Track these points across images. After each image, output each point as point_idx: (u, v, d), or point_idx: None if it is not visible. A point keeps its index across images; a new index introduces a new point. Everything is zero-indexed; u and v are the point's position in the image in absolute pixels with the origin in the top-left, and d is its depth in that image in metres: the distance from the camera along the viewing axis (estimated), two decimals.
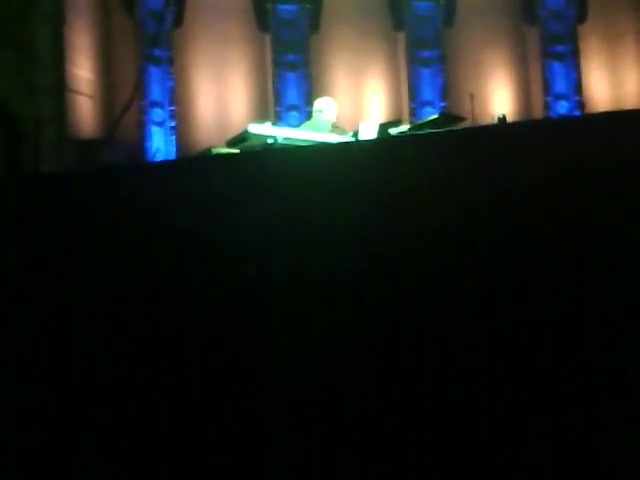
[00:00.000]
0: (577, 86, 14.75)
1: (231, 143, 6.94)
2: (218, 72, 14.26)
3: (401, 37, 14.86)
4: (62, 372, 3.59)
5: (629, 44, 14.77)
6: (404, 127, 7.16)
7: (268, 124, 7.18)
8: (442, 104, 14.44)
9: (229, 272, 3.55)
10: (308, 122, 7.96)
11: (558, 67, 14.82)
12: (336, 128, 7.43)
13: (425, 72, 14.74)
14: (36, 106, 11.03)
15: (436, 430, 3.35)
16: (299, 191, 3.53)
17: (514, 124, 7.13)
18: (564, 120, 7.90)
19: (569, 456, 3.28)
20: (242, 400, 3.47)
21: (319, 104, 7.72)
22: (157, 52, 13.84)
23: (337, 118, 7.61)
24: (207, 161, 4.82)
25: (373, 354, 3.41)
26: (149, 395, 3.54)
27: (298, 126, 8.91)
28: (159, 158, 13.27)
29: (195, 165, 4.12)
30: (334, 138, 6.88)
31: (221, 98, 14.25)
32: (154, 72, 13.90)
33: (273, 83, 14.55)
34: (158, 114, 13.90)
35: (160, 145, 13.74)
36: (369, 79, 14.65)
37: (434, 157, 3.56)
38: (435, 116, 7.47)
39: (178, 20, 14.13)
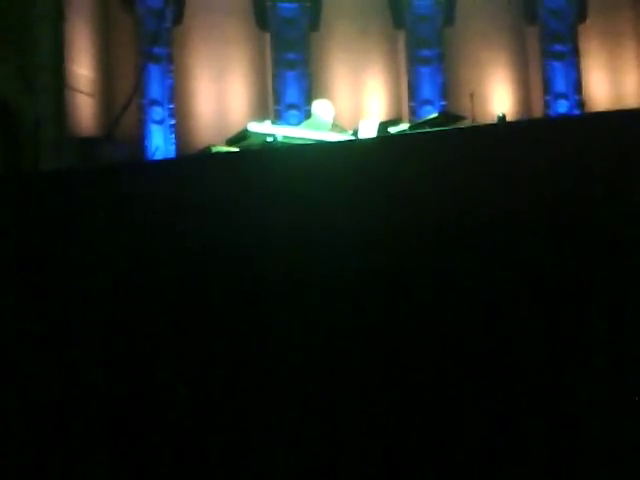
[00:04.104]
0: (577, 85, 14.74)
1: (231, 141, 6.94)
2: (218, 70, 14.25)
3: (401, 36, 14.85)
4: (62, 371, 3.58)
5: (629, 43, 14.76)
6: (404, 126, 7.15)
7: (268, 122, 7.18)
8: (442, 103, 14.43)
9: (228, 271, 3.55)
10: (308, 121, 7.95)
11: (558, 66, 14.81)
12: (335, 127, 7.43)
13: (425, 71, 14.73)
14: (36, 104, 11.03)
15: (436, 432, 3.35)
16: (298, 189, 3.53)
17: (514, 123, 7.13)
18: (564, 119, 7.90)
19: (568, 455, 3.28)
20: (242, 401, 3.47)
21: (315, 107, 7.73)
22: (157, 50, 13.82)
23: (336, 117, 7.61)
24: (206, 159, 4.82)
25: (374, 354, 3.41)
26: (149, 395, 3.54)
27: (298, 125, 8.90)
28: (159, 156, 13.26)
29: (195, 163, 4.12)
30: (334, 137, 6.87)
31: (221, 96, 14.24)
32: (154, 70, 13.89)
33: (273, 81, 14.53)
34: (158, 112, 13.89)
35: (160, 143, 13.73)
36: (369, 78, 14.64)
37: (434, 156, 3.56)
38: (435, 115, 7.47)
39: (178, 18, 14.11)
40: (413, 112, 14.41)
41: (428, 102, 14.52)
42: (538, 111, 14.49)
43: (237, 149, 6.68)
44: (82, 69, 12.73)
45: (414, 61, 14.73)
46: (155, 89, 13.94)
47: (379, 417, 3.39)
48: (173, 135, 13.85)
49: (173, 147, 13.80)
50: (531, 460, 3.29)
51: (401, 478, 3.36)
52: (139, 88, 13.37)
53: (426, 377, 3.38)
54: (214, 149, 7.10)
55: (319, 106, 7.66)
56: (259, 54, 14.56)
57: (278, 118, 13.90)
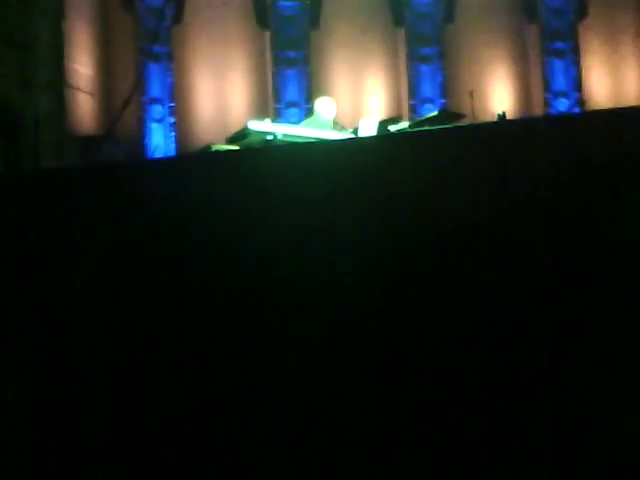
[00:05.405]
0: (577, 83, 14.73)
1: (231, 140, 6.94)
2: (218, 69, 14.24)
3: (401, 34, 14.84)
4: (62, 370, 3.58)
5: (629, 41, 14.76)
6: (404, 124, 7.16)
7: (268, 121, 7.18)
8: (442, 101, 14.43)
9: (228, 270, 3.55)
10: (308, 119, 7.96)
11: (558, 64, 14.80)
12: (336, 125, 7.43)
13: (425, 69, 14.72)
14: (36, 102, 11.02)
15: (436, 432, 3.35)
16: (299, 188, 3.53)
17: (514, 121, 7.13)
18: (564, 117, 7.89)
19: (568, 454, 3.28)
20: (242, 399, 3.47)
21: (318, 105, 7.74)
22: (157, 48, 13.82)
23: (336, 115, 7.62)
24: (207, 158, 4.81)
25: (373, 354, 3.41)
26: (149, 394, 3.54)
27: (298, 123, 8.90)
28: (159, 155, 13.27)
29: (195, 162, 4.12)
30: (334, 135, 6.87)
31: (221, 95, 14.23)
32: (154, 68, 13.89)
33: (273, 80, 14.53)
34: (158, 111, 13.89)
35: (160, 142, 13.73)
36: (369, 76, 14.63)
37: (434, 154, 3.56)
38: (435, 113, 7.48)
39: (178, 16, 14.11)
40: (413, 110, 14.41)
41: (428, 100, 14.52)
42: (538, 109, 14.48)
43: (237, 147, 6.68)
44: (82, 67, 12.73)
45: (414, 59, 14.72)
46: (155, 87, 13.94)
47: (379, 417, 3.39)
48: (173, 133, 13.85)
49: (173, 145, 13.81)
50: (531, 459, 3.29)
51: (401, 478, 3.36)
52: (139, 86, 13.37)
53: (426, 377, 3.38)
54: (214, 147, 7.10)
55: (322, 104, 7.67)
56: (259, 52, 14.55)
57: (278, 116, 13.89)
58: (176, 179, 3.70)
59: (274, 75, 14.52)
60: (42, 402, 3.57)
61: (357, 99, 14.33)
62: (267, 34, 14.64)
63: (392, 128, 6.83)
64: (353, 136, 6.81)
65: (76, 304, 3.62)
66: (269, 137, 6.52)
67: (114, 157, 12.21)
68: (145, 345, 3.55)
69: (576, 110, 14.41)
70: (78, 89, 12.49)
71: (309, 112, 8.79)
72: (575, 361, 3.30)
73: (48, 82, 11.38)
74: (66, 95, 11.97)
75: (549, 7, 14.93)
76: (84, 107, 12.74)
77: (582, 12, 14.86)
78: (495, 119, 7.89)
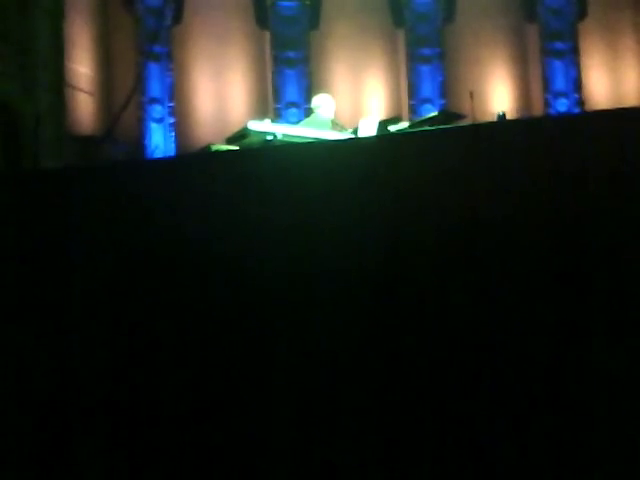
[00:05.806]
0: (577, 83, 14.75)
1: (230, 140, 6.92)
2: (217, 69, 14.25)
3: (401, 34, 14.85)
4: (62, 369, 3.59)
5: (629, 41, 14.77)
6: (403, 124, 7.14)
7: (267, 121, 7.16)
8: (442, 101, 14.44)
9: (228, 269, 3.55)
10: (307, 119, 7.95)
11: (558, 64, 14.82)
12: (335, 125, 7.42)
13: (425, 69, 14.74)
14: (35, 102, 11.02)
15: (436, 432, 3.35)
16: (298, 188, 3.53)
17: (514, 121, 7.13)
18: (564, 117, 7.89)
19: (568, 454, 3.28)
20: (243, 399, 3.47)
21: (316, 100, 7.74)
22: (156, 48, 13.83)
23: (336, 115, 7.61)
24: (206, 158, 4.81)
25: (373, 353, 3.41)
26: (148, 393, 3.54)
27: (297, 123, 8.89)
28: (158, 155, 13.27)
29: (194, 162, 4.12)
30: (333, 135, 6.86)
31: (220, 95, 14.24)
32: (153, 68, 13.90)
33: (272, 80, 14.54)
34: (157, 111, 13.90)
35: (159, 142, 13.74)
36: (369, 76, 14.64)
37: (433, 154, 3.56)
38: (435, 113, 7.45)
39: (177, 16, 14.12)
40: (413, 110, 14.42)
41: (428, 100, 14.53)
42: (538, 109, 14.49)
43: (237, 148, 6.67)
44: (82, 67, 12.73)
45: (414, 59, 14.74)
46: (155, 87, 13.95)
47: (381, 416, 3.39)
48: (173, 133, 13.86)
49: (173, 145, 13.82)
50: (531, 456, 3.29)
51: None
52: (139, 86, 13.38)
53: (425, 377, 3.38)
54: (214, 148, 7.08)
55: (320, 100, 7.66)
56: (259, 52, 14.56)
57: (278, 116, 13.90)
58: (176, 179, 3.71)
59: (274, 75, 14.53)
60: (42, 401, 3.57)
61: (357, 99, 14.34)
62: (267, 34, 14.65)
63: (392, 128, 6.81)
64: (353, 136, 6.80)
65: (76, 303, 3.62)
66: (269, 137, 6.50)
67: (114, 157, 12.22)
68: (145, 344, 3.56)
69: (576, 110, 14.42)
70: (78, 89, 12.50)
71: (309, 112, 8.77)
72: (575, 362, 3.30)
73: (48, 82, 11.38)
74: (66, 95, 11.97)
75: (549, 7, 14.94)
76: (84, 107, 12.75)
77: (582, 12, 14.88)
78: (495, 119, 7.87)
